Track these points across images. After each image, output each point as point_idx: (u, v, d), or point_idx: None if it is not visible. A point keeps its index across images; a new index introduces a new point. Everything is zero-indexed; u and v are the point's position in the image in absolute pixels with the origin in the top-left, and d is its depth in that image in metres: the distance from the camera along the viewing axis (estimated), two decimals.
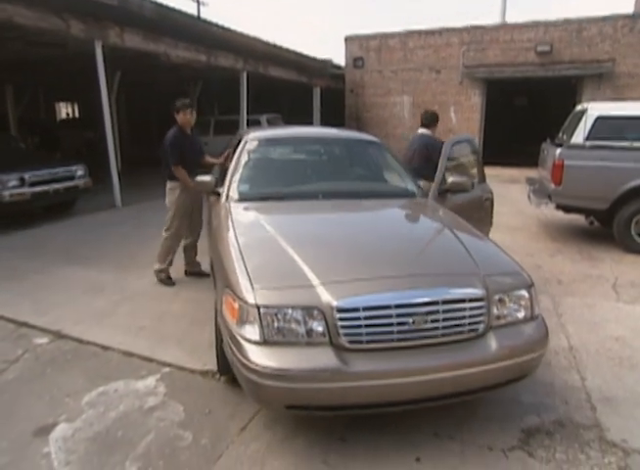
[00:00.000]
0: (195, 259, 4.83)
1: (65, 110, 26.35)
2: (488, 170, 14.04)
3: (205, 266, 4.52)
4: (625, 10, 13.72)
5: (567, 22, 13.06)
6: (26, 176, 6.80)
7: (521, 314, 2.43)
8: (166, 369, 3.09)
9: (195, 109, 4.44)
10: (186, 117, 4.36)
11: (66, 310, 4.01)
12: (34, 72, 12.47)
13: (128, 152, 14.97)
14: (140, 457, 2.31)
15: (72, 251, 5.79)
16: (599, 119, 5.75)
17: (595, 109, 5.95)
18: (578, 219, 6.83)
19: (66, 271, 5.01)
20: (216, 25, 9.65)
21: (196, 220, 4.69)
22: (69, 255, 5.62)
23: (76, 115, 25.26)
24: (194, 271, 4.81)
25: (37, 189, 6.95)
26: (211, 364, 3.05)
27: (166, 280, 4.59)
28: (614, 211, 5.77)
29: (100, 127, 9.52)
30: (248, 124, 12.34)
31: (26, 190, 6.80)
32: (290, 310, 2.20)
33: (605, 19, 12.70)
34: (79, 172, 7.68)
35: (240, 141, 4.10)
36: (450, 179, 3.81)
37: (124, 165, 12.10)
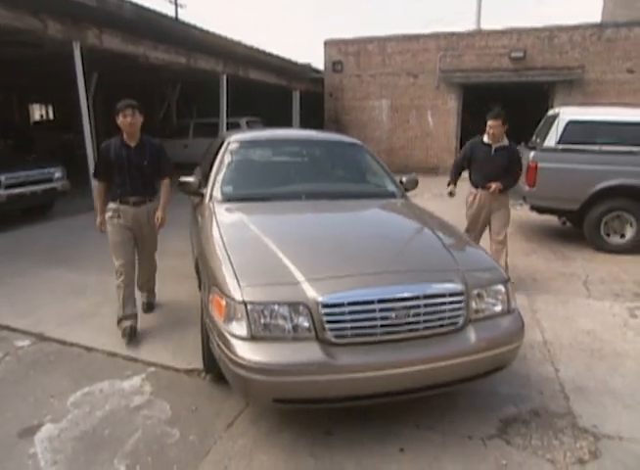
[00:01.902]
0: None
1: (39, 111, 25.78)
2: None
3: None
4: (593, 19, 14.22)
5: (538, 29, 13.45)
6: (2, 178, 6.67)
7: (498, 308, 2.54)
8: (151, 369, 3.11)
9: (139, 110, 3.45)
10: (126, 121, 3.39)
11: (48, 312, 3.98)
12: (8, 73, 12.20)
13: None
14: (128, 455, 2.33)
15: (53, 253, 5.73)
16: (570, 124, 5.97)
17: (566, 113, 6.17)
18: (552, 220, 7.06)
19: (47, 273, 4.96)
20: (196, 28, 9.64)
21: (145, 256, 3.79)
22: (51, 257, 5.55)
23: (51, 116, 24.75)
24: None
25: (13, 191, 6.83)
26: (196, 363, 3.08)
27: (127, 333, 3.47)
28: (584, 212, 6.00)
29: (77, 130, 9.40)
30: (227, 127, 12.33)
31: (2, 192, 6.68)
32: (276, 307, 2.26)
33: (574, 27, 13.14)
34: (57, 174, 7.57)
35: (222, 143, 4.14)
36: (403, 178, 4.06)
37: None
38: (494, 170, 4.43)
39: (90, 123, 8.81)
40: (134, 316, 3.58)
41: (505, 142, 4.46)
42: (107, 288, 4.54)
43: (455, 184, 4.72)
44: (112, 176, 3.53)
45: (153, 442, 2.42)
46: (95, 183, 3.66)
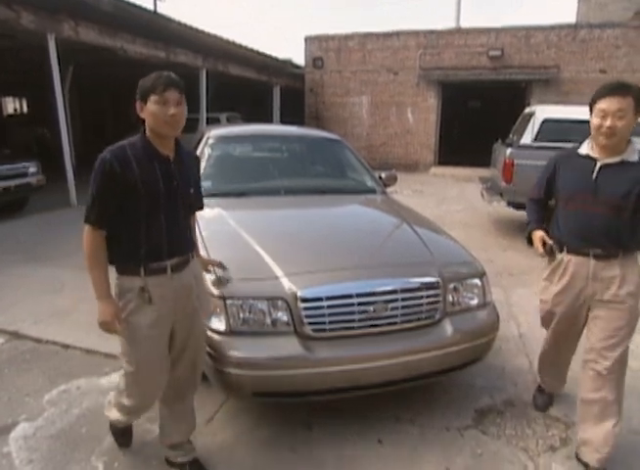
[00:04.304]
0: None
1: (12, 105, 25.10)
2: (445, 170, 14.46)
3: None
4: (568, 20, 14.53)
5: (516, 28, 13.68)
6: None
7: (474, 301, 2.60)
8: None
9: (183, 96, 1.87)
10: (166, 112, 1.79)
11: (23, 310, 3.90)
12: None
13: (81, 150, 14.47)
14: (106, 452, 2.31)
15: (29, 249, 5.62)
16: (545, 122, 6.11)
17: (542, 112, 6.31)
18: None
19: (22, 270, 4.86)
20: (175, 21, 9.50)
21: (183, 362, 2.08)
22: (26, 253, 5.44)
23: (25, 110, 24.13)
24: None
25: None
26: None
27: (120, 438, 2.33)
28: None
29: (52, 124, 9.20)
30: (207, 122, 12.23)
31: None
32: (255, 301, 2.27)
33: (550, 27, 13.41)
34: (32, 169, 7.40)
35: (201, 138, 4.11)
36: (382, 174, 4.11)
37: (78, 164, 11.73)
38: (597, 213, 2.13)
39: (66, 118, 8.63)
40: (191, 447, 2.20)
41: (632, 155, 2.12)
42: (85, 285, 4.45)
43: (550, 239, 2.28)
44: (127, 219, 1.84)
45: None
46: (87, 233, 1.85)
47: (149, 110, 1.79)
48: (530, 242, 2.43)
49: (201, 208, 2.25)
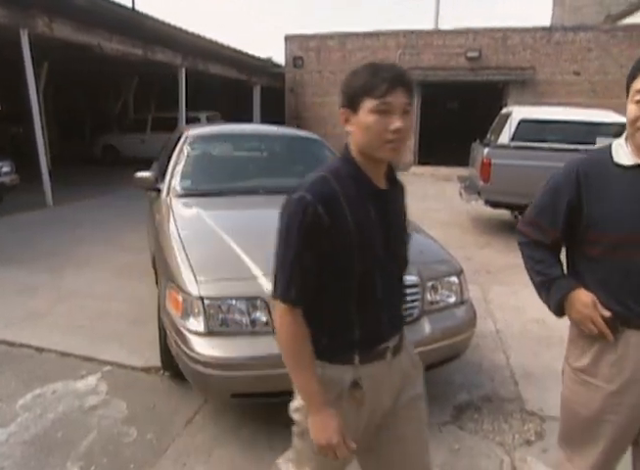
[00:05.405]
0: None
1: None
2: (424, 170, 14.55)
3: None
4: (543, 23, 14.83)
5: (493, 30, 13.90)
6: None
7: (452, 299, 2.63)
8: (107, 368, 3.03)
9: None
10: (385, 126, 1.16)
11: None
12: None
13: (57, 149, 14.17)
14: (82, 456, 2.27)
15: (2, 251, 5.46)
16: (522, 122, 6.23)
17: (519, 112, 6.44)
18: (505, 214, 7.33)
19: None
20: (153, 19, 9.37)
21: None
22: None
23: None
24: None
25: None
26: (154, 361, 3.02)
27: None
28: None
29: (27, 122, 8.99)
30: (186, 122, 12.11)
31: None
32: (233, 301, 2.26)
33: (526, 29, 13.67)
34: (5, 169, 7.25)
35: (180, 137, 4.07)
36: None
37: (53, 163, 11.48)
38: None
39: (41, 116, 8.43)
40: None
41: None
42: (60, 286, 4.40)
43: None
44: (335, 286, 1.22)
45: (109, 442, 2.37)
46: (285, 315, 1.18)
47: (361, 121, 1.19)
48: (561, 312, 1.53)
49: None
